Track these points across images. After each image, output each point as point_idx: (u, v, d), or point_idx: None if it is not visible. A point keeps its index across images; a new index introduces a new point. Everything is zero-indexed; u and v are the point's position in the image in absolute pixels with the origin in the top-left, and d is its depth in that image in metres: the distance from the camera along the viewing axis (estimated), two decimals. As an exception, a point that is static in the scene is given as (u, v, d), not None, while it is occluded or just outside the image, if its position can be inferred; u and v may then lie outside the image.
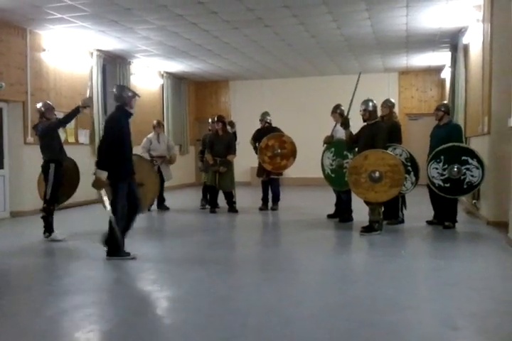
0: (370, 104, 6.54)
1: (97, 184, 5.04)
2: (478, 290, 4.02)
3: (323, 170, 7.48)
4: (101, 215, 8.90)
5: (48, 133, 6.29)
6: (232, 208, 8.82)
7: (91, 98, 6.91)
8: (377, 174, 6.18)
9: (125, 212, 5.18)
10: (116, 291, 4.22)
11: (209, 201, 8.99)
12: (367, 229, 6.39)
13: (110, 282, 4.56)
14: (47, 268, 5.17)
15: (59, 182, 6.31)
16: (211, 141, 8.82)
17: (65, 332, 3.28)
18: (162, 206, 9.27)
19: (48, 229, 6.34)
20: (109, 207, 5.12)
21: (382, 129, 6.44)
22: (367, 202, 6.47)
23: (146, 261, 5.19)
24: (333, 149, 7.35)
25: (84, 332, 3.21)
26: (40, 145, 6.37)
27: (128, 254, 5.19)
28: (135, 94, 5.34)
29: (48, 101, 6.79)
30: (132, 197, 5.22)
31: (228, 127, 9.11)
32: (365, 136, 6.49)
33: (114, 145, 5.03)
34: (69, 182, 6.67)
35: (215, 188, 8.79)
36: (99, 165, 5.03)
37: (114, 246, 5.16)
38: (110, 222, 5.12)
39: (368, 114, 6.51)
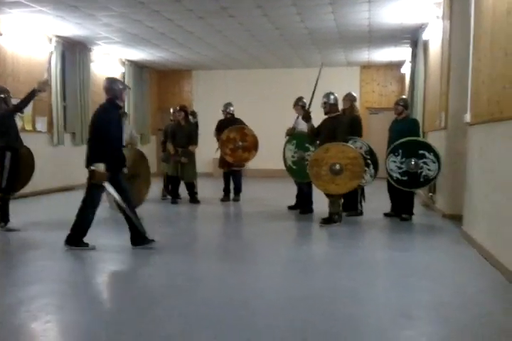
0: (332, 97, 6.62)
1: (98, 177, 4.94)
2: (434, 281, 4.15)
3: (285, 162, 7.53)
4: (55, 204, 8.72)
5: (3, 120, 6.09)
6: (193, 199, 8.79)
7: (47, 81, 6.69)
8: (337, 167, 6.27)
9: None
10: (73, 281, 4.15)
11: (170, 191, 8.94)
12: (326, 221, 6.49)
13: (68, 272, 4.48)
14: (2, 259, 5.05)
15: (15, 171, 6.14)
16: (173, 131, 8.75)
17: (21, 322, 3.22)
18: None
19: (4, 218, 6.18)
20: (118, 197, 5.04)
21: (342, 123, 6.53)
22: (327, 195, 6.56)
23: (104, 251, 5.12)
24: (294, 141, 7.41)
25: (41, 323, 3.16)
26: None
27: (86, 245, 5.12)
28: (126, 87, 5.28)
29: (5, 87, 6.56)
30: (122, 189, 5.13)
31: (190, 117, 9.05)
32: (326, 129, 6.56)
33: (103, 138, 4.96)
34: (24, 170, 6.49)
35: (177, 179, 8.74)
36: (95, 158, 4.94)
37: (137, 233, 5.13)
38: (125, 212, 5.09)
39: (329, 106, 6.59)
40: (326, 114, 6.67)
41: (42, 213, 7.68)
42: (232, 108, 9.03)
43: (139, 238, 5.18)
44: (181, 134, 8.64)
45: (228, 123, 8.79)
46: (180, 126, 8.73)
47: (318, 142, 6.81)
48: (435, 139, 7.88)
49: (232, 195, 9.07)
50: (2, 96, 6.20)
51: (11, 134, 6.14)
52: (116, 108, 5.21)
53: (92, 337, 2.99)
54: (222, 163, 8.89)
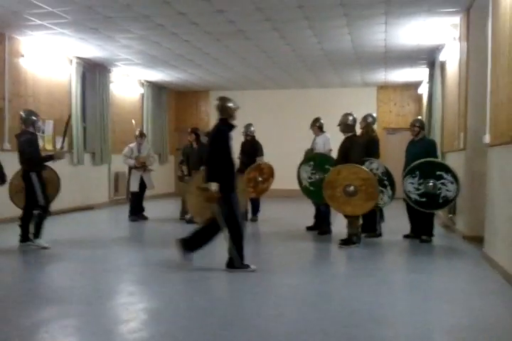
0: (350, 117, 6.63)
1: (212, 197, 4.98)
2: (454, 304, 4.08)
3: (300, 182, 7.51)
4: (75, 223, 8.75)
5: (31, 146, 6.34)
6: None
7: (65, 152, 7.27)
8: (351, 188, 6.26)
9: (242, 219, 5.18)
10: (96, 302, 4.15)
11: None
12: (345, 242, 6.43)
13: (90, 292, 4.48)
14: (32, 275, 5.08)
15: (44, 188, 6.35)
16: (187, 153, 8.84)
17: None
18: (140, 216, 9.19)
19: (36, 234, 6.32)
20: (222, 221, 5.04)
21: (356, 143, 6.51)
22: (345, 215, 6.52)
23: (124, 271, 5.12)
24: (311, 163, 7.40)
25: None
26: (21, 155, 6.36)
27: (247, 266, 5.08)
28: (237, 106, 5.33)
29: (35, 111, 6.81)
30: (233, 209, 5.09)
31: (204, 138, 9.11)
32: (340, 150, 6.57)
33: (223, 158, 5.02)
34: (50, 189, 6.65)
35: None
36: (211, 177, 4.97)
37: (236, 257, 5.04)
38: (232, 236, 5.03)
39: (344, 127, 6.61)
40: (343, 133, 6.69)
41: (64, 231, 7.73)
42: (252, 129, 9.07)
43: (235, 261, 5.07)
44: (194, 157, 8.68)
45: (251, 145, 8.83)
46: (193, 148, 8.79)
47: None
48: (454, 160, 7.82)
49: (250, 215, 9.04)
50: (34, 118, 6.52)
51: (36, 159, 6.39)
52: (230, 128, 5.23)
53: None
54: None
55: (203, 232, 5.21)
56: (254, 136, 9.06)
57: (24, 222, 6.38)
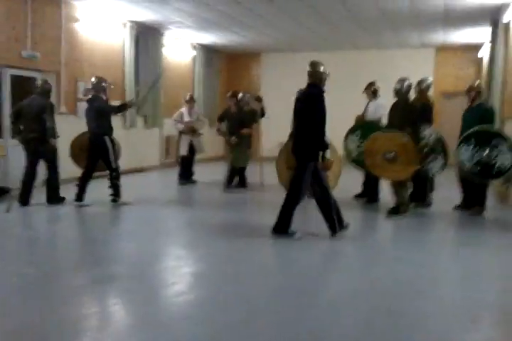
0: (406, 83, 6.51)
1: (330, 165, 5.14)
2: (500, 282, 4.00)
3: (349, 153, 7.35)
4: (130, 184, 9.06)
5: (108, 112, 6.86)
6: (240, 183, 8.77)
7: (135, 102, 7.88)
8: (391, 154, 6.21)
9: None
10: (145, 264, 4.33)
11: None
12: (393, 211, 6.36)
13: (141, 255, 4.67)
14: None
15: (115, 151, 6.89)
16: (225, 115, 8.83)
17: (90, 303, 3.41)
18: (190, 179, 9.37)
19: (117, 193, 6.85)
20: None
21: (405, 110, 6.44)
22: (391, 183, 6.43)
23: (172, 234, 5.29)
24: (358, 132, 7.22)
25: (108, 305, 3.34)
26: (95, 119, 6.72)
27: (293, 233, 5.13)
28: (328, 72, 5.27)
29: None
30: (319, 178, 5.12)
31: (256, 102, 9.07)
32: (391, 116, 6.60)
33: (318, 123, 4.99)
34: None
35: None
36: (319, 146, 4.99)
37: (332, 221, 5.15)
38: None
39: (396, 93, 6.57)
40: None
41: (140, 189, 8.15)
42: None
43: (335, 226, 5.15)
44: (232, 121, 8.58)
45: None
46: (231, 113, 8.72)
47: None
48: (514, 127, 7.47)
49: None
50: (104, 85, 6.86)
51: (109, 124, 6.89)
52: (322, 92, 5.15)
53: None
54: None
55: (285, 208, 5.14)
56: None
57: (85, 182, 6.77)
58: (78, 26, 9.27)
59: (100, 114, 6.72)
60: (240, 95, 8.94)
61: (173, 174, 9.59)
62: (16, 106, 6.97)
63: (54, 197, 6.76)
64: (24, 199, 6.65)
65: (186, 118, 9.27)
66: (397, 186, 6.33)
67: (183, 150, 9.26)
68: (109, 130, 6.83)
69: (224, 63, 15.39)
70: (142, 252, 4.76)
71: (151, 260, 4.50)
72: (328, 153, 5.01)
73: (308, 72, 5.13)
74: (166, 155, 12.34)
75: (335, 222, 5.12)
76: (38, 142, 6.58)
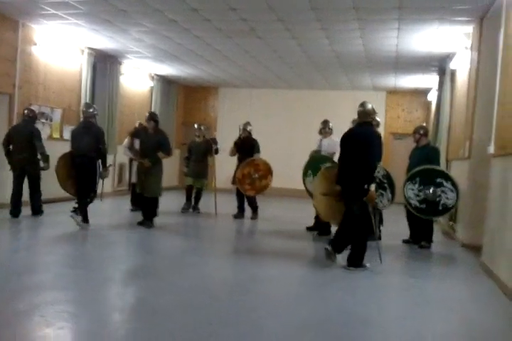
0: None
1: (373, 197, 5.26)
2: (448, 311, 4.09)
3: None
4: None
5: (103, 137, 7.28)
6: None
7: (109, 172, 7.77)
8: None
9: None
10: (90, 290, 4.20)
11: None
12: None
13: (86, 280, 4.53)
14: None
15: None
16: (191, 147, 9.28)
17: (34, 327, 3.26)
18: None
19: (85, 215, 7.01)
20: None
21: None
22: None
23: (119, 262, 5.16)
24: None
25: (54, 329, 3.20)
26: (93, 144, 7.00)
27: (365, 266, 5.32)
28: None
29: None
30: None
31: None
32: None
33: (373, 159, 5.17)
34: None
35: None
36: (369, 179, 5.13)
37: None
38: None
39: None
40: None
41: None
42: (250, 127, 9.07)
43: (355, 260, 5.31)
44: (146, 143, 7.83)
45: (247, 143, 8.85)
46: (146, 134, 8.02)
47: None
48: (458, 168, 7.82)
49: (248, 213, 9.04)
50: (95, 112, 7.30)
51: (104, 149, 7.31)
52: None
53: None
54: (235, 179, 8.78)
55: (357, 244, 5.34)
56: (250, 134, 9.01)
57: (85, 205, 7.03)
58: (35, 49, 9.19)
59: (97, 139, 7.08)
60: (196, 126, 9.11)
61: (125, 201, 9.45)
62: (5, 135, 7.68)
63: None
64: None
65: (137, 146, 9.17)
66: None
67: (135, 178, 9.14)
68: (104, 155, 7.26)
69: (181, 94, 15.51)
70: (88, 278, 4.61)
71: (96, 286, 4.36)
72: (372, 186, 5.17)
73: (359, 111, 5.41)
74: (118, 183, 12.16)
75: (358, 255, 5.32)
76: (27, 162, 7.44)
